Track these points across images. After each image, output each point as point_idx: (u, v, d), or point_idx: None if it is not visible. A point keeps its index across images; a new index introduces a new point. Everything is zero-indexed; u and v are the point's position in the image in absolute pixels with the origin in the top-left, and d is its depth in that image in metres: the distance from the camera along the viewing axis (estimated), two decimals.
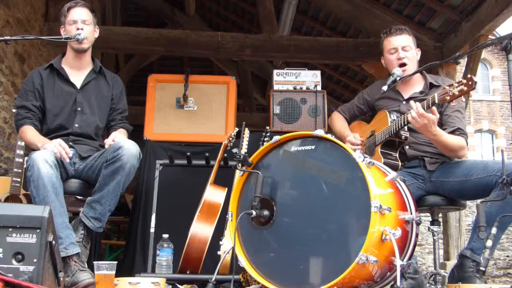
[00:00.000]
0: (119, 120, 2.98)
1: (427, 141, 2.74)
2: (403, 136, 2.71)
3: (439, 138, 2.56)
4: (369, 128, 2.95)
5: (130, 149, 2.56)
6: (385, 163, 2.68)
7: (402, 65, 2.79)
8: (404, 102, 2.84)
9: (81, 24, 2.76)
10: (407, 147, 2.77)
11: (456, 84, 2.30)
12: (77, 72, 2.87)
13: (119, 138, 2.68)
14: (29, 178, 2.42)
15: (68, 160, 2.58)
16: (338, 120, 3.16)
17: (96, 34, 2.90)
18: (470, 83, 2.24)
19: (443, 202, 2.70)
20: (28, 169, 2.43)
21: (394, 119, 2.68)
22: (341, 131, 3.08)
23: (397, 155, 2.75)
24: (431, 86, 2.82)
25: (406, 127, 2.68)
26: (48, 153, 2.49)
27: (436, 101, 2.40)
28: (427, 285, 2.57)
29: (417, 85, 2.88)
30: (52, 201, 2.37)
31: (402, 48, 2.81)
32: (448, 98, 2.32)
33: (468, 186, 2.58)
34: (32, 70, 2.88)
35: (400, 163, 2.72)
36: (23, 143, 3.74)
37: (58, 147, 2.54)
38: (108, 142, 2.68)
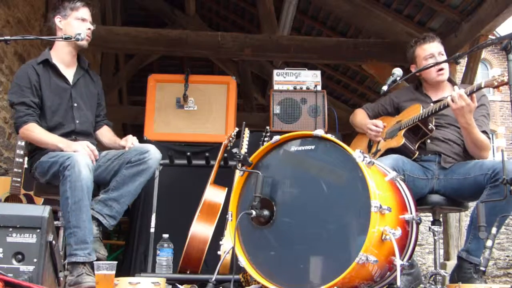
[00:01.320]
0: (103, 117, 3.02)
1: (449, 139, 2.77)
2: (430, 126, 2.74)
3: (472, 129, 2.60)
4: (395, 119, 2.98)
5: (156, 154, 2.68)
6: (404, 145, 2.74)
7: (440, 70, 2.84)
8: (432, 104, 2.83)
9: (89, 24, 2.80)
10: (428, 141, 2.79)
11: (506, 73, 2.33)
12: (66, 68, 2.84)
13: (137, 141, 2.78)
14: (67, 177, 2.39)
15: (95, 163, 2.60)
16: (360, 114, 3.20)
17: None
18: None
19: (445, 202, 2.70)
20: (67, 168, 2.41)
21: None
22: (362, 121, 3.12)
23: (416, 145, 2.78)
24: None
25: (434, 121, 2.73)
26: (88, 157, 2.51)
27: (483, 86, 2.45)
28: (428, 285, 2.58)
29: (446, 90, 2.91)
30: (86, 206, 2.39)
31: (439, 54, 2.85)
32: (496, 83, 2.37)
33: (466, 185, 2.60)
34: (23, 65, 2.78)
35: (416, 153, 2.76)
36: (23, 143, 3.73)
37: (87, 149, 2.57)
38: (127, 145, 2.74)
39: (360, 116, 3.18)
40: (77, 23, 2.76)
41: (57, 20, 2.78)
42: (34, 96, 2.67)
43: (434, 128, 2.75)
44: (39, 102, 2.70)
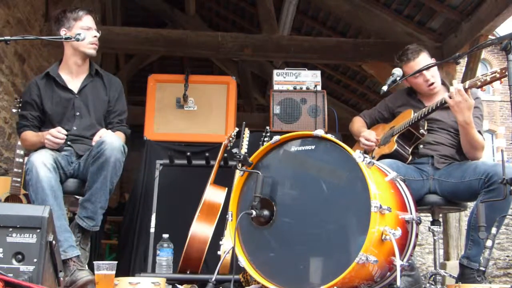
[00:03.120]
0: (117, 123, 2.95)
1: (441, 142, 2.77)
2: (421, 131, 2.75)
3: (469, 128, 2.59)
4: (389, 125, 2.99)
5: (112, 143, 2.54)
6: (396, 151, 2.75)
7: (431, 84, 2.84)
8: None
9: (95, 31, 2.83)
10: (421, 146, 2.80)
11: (489, 73, 2.36)
12: (75, 78, 2.87)
13: (103, 134, 2.66)
14: (28, 181, 2.45)
15: (56, 146, 2.65)
16: (357, 122, 3.21)
17: None
18: (504, 71, 2.30)
19: (443, 201, 2.70)
20: (27, 172, 2.45)
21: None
22: (358, 130, 3.12)
23: (410, 150, 2.78)
24: None
25: (426, 125, 2.74)
26: (47, 156, 2.52)
27: (467, 87, 2.46)
28: (428, 285, 2.58)
29: (440, 95, 2.89)
30: (51, 205, 2.37)
31: (426, 69, 2.81)
32: (479, 83, 2.40)
33: (461, 188, 2.59)
34: (30, 81, 2.90)
35: (410, 157, 2.77)
36: None
37: (51, 138, 2.62)
38: (94, 139, 2.67)
39: (357, 125, 3.18)
40: (82, 32, 2.73)
41: (63, 33, 2.79)
42: (34, 110, 2.81)
43: (425, 132, 2.75)
44: (40, 115, 2.82)
